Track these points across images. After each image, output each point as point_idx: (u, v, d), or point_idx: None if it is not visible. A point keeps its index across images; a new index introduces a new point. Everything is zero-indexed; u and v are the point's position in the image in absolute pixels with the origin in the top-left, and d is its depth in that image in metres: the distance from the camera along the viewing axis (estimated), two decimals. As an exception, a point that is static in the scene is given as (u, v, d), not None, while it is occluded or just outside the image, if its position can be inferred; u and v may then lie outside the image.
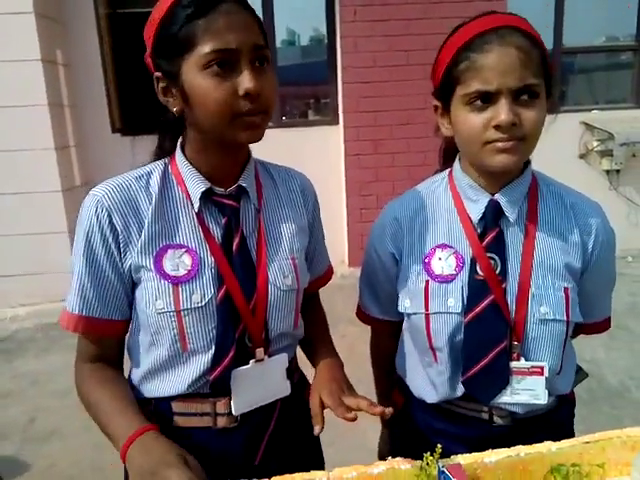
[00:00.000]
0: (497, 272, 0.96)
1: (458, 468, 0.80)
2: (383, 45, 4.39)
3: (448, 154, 1.10)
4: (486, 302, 0.95)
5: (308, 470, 0.87)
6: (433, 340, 0.99)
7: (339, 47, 4.51)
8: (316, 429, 0.89)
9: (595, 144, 4.69)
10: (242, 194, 0.95)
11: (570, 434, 1.10)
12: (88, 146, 4.59)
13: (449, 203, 1.02)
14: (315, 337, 1.11)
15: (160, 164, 0.95)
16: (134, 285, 0.91)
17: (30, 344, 3.69)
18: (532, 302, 0.95)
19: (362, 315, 1.19)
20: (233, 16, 0.81)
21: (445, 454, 0.85)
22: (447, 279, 0.98)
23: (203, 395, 0.94)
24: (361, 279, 1.17)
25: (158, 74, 0.87)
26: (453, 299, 0.97)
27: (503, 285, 0.96)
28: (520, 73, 0.86)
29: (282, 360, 0.99)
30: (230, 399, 0.93)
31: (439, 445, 0.84)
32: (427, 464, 0.84)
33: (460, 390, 1.00)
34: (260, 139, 0.88)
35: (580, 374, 1.13)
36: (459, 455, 0.88)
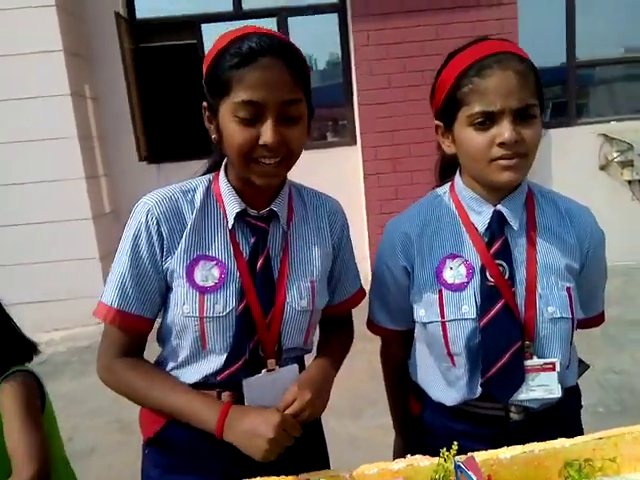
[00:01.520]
0: (506, 277, 1.02)
1: (472, 461, 0.84)
2: (397, 67, 4.50)
3: (445, 170, 1.18)
4: (498, 306, 1.01)
5: (314, 469, 0.93)
6: (451, 346, 1.04)
7: (354, 71, 4.63)
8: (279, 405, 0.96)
9: (615, 155, 4.68)
10: (273, 217, 1.03)
11: (578, 424, 1.16)
12: (116, 175, 4.78)
13: (454, 215, 1.09)
14: (322, 347, 1.14)
15: (205, 180, 1.05)
16: (167, 288, 1.01)
17: (65, 367, 3.82)
18: (540, 303, 1.02)
19: (373, 326, 1.23)
20: (267, 71, 0.89)
21: (464, 453, 0.90)
22: (460, 287, 1.04)
23: (212, 388, 1.02)
24: (371, 292, 1.22)
25: (205, 104, 0.98)
26: (467, 305, 1.03)
27: (512, 289, 1.02)
28: (520, 94, 0.94)
29: (293, 370, 1.04)
30: (235, 395, 1.00)
31: (455, 442, 0.89)
32: (444, 460, 0.89)
33: (479, 391, 1.05)
34: (277, 184, 1.00)
35: (582, 366, 1.18)
36: (475, 452, 0.92)
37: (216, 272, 0.98)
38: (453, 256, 1.06)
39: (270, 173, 0.94)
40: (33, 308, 4.03)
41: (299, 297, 1.03)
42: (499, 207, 1.04)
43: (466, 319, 1.02)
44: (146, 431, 1.09)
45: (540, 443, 0.94)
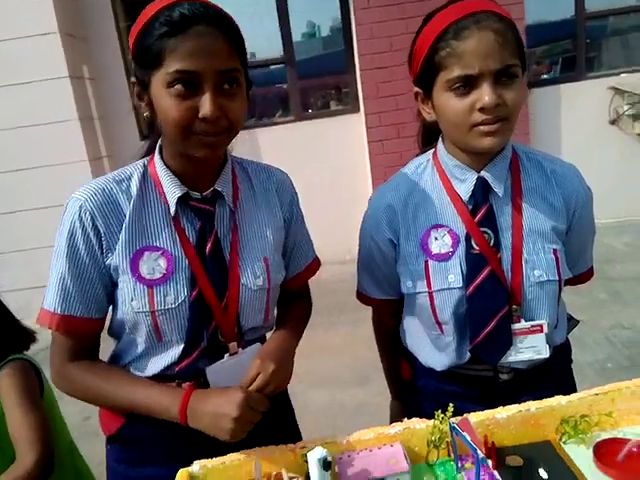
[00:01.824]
0: (491, 244, 1.02)
1: (467, 422, 0.84)
2: (399, 29, 4.38)
3: (427, 137, 1.16)
4: (484, 273, 1.01)
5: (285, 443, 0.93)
6: (439, 315, 1.05)
7: (355, 35, 4.53)
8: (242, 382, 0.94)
9: (626, 108, 4.54)
10: (218, 197, 0.99)
11: (569, 378, 1.17)
12: (119, 155, 4.77)
13: (437, 184, 1.07)
14: (281, 319, 1.12)
15: (140, 165, 0.99)
16: (113, 284, 0.96)
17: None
18: (526, 267, 1.01)
19: (362, 297, 1.23)
20: (202, 39, 0.83)
21: (457, 413, 0.90)
22: (445, 257, 1.03)
23: (171, 380, 0.99)
24: (359, 264, 1.21)
25: (133, 79, 0.93)
26: (453, 275, 1.02)
27: (498, 255, 1.02)
28: (499, 55, 0.90)
29: (256, 349, 1.02)
30: (198, 383, 0.98)
31: (451, 404, 0.90)
32: (440, 422, 0.90)
33: (467, 356, 1.06)
34: (219, 156, 0.96)
35: (572, 322, 1.19)
36: (471, 413, 0.92)
37: (163, 262, 0.94)
38: (438, 226, 1.05)
39: (211, 144, 0.89)
40: (28, 294, 4.10)
41: (254, 277, 1.00)
42: (482, 173, 1.02)
43: (453, 288, 1.02)
44: (106, 429, 1.07)
45: (536, 402, 0.94)
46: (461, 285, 1.02)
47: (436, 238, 1.04)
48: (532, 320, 1.02)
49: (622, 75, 4.73)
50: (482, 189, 1.02)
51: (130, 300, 0.93)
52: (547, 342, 1.02)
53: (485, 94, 0.90)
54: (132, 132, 4.71)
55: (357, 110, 4.73)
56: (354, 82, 4.74)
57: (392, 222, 1.08)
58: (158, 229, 0.95)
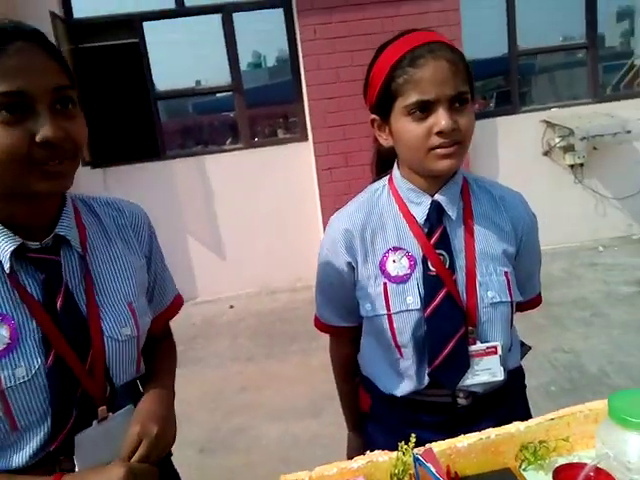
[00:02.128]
0: (447, 266, 1.04)
1: (430, 453, 0.84)
2: (345, 60, 4.50)
3: (382, 165, 1.19)
4: (441, 295, 1.03)
5: None
6: (398, 338, 1.05)
7: (302, 66, 4.61)
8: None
9: (557, 140, 4.84)
10: (62, 243, 0.86)
11: (524, 403, 1.20)
12: (60, 181, 4.58)
13: (393, 208, 1.09)
14: (151, 370, 1.01)
15: None
16: None
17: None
18: (480, 289, 1.04)
19: (320, 324, 1.23)
20: (25, 56, 0.73)
21: (418, 442, 0.89)
22: (403, 279, 1.05)
23: (45, 463, 0.84)
24: (317, 291, 1.21)
25: None
26: (411, 296, 1.04)
27: (453, 277, 1.04)
28: (453, 82, 0.95)
29: (129, 411, 0.90)
30: (71, 459, 0.84)
31: (413, 435, 0.89)
32: (403, 453, 0.88)
33: (426, 380, 1.07)
34: (68, 187, 0.80)
35: (524, 348, 1.22)
36: (433, 443, 0.92)
37: (4, 331, 0.78)
38: (395, 249, 1.07)
39: (58, 173, 0.76)
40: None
41: (119, 326, 0.88)
42: (436, 197, 1.05)
43: (411, 310, 1.03)
44: None
45: (495, 428, 0.94)
46: (419, 307, 1.03)
47: (394, 261, 1.06)
48: (487, 342, 1.04)
49: (553, 110, 5.05)
50: (436, 212, 1.05)
51: None
52: (501, 364, 1.05)
53: (442, 119, 0.94)
54: None
55: (305, 139, 4.78)
56: (302, 111, 4.81)
57: (350, 246, 1.09)
58: None
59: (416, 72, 0.95)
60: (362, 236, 1.08)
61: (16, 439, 0.81)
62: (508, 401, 1.10)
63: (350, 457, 1.32)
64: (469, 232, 1.06)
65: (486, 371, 1.04)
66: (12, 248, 0.80)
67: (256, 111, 5.24)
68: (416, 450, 0.87)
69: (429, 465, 0.82)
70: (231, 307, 4.60)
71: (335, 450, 2.45)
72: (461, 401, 1.08)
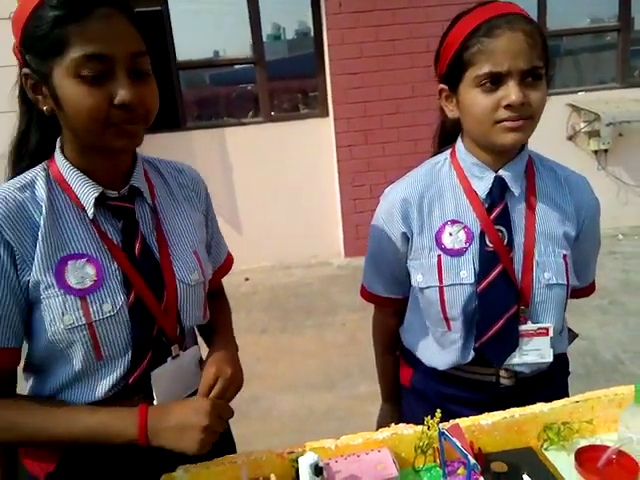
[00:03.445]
0: (505, 243, 1.04)
1: (457, 428, 0.86)
2: (369, 36, 4.42)
3: (445, 138, 1.18)
4: (496, 271, 1.03)
5: (221, 453, 0.92)
6: (447, 311, 1.06)
7: (326, 40, 4.54)
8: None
9: (582, 125, 4.74)
10: (135, 195, 0.93)
11: (565, 390, 1.19)
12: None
13: (454, 181, 1.09)
14: (215, 323, 1.08)
15: (40, 170, 0.89)
16: (31, 304, 0.85)
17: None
18: (537, 269, 1.04)
19: (366, 294, 1.25)
20: (109, 21, 0.78)
21: (453, 417, 0.91)
22: (458, 252, 1.06)
23: (121, 397, 0.91)
24: (366, 260, 1.23)
25: (27, 71, 0.83)
26: (465, 271, 1.04)
27: (510, 255, 1.04)
28: (528, 56, 0.93)
29: (195, 352, 0.99)
30: (145, 397, 0.91)
31: (439, 410, 0.91)
32: (428, 428, 0.90)
33: (471, 355, 1.07)
34: (138, 146, 0.88)
35: (571, 335, 1.22)
36: (458, 419, 0.93)
37: (90, 270, 0.86)
38: (453, 222, 1.07)
39: (131, 132, 0.83)
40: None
41: (189, 271, 0.95)
42: (501, 172, 1.05)
43: (464, 284, 1.04)
44: (40, 469, 0.93)
45: (520, 408, 0.96)
46: (472, 281, 1.04)
47: (450, 233, 1.06)
48: (538, 322, 1.04)
49: (579, 93, 4.94)
50: (499, 188, 1.04)
51: (61, 316, 0.83)
52: (551, 347, 1.05)
53: (512, 92, 0.94)
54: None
55: (326, 114, 4.73)
56: (323, 86, 4.75)
57: (407, 216, 1.10)
58: (77, 236, 0.87)
59: (491, 42, 0.94)
60: (419, 206, 1.09)
61: (99, 367, 0.88)
62: (550, 386, 1.09)
63: (381, 427, 1.38)
64: (531, 210, 1.06)
65: (535, 352, 1.04)
66: (95, 195, 0.87)
67: (276, 84, 5.18)
68: (442, 425, 0.89)
69: (455, 440, 0.84)
70: (246, 280, 4.64)
71: (349, 423, 2.52)
72: (504, 381, 1.08)
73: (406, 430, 0.93)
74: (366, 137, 4.56)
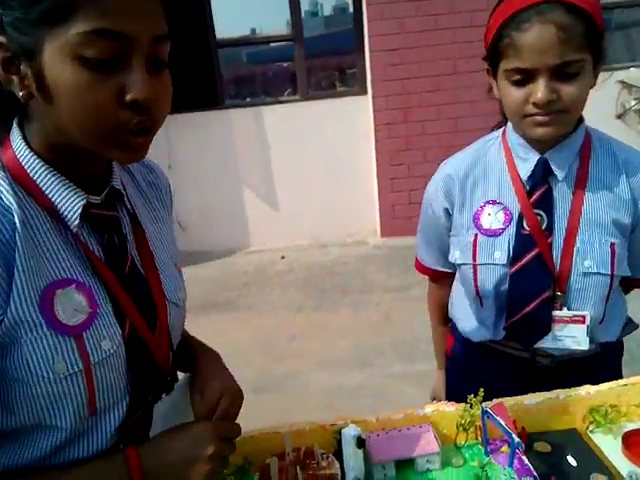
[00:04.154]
0: (543, 227, 1.02)
1: (501, 407, 0.85)
2: (410, 10, 4.31)
3: None
4: (531, 255, 1.02)
5: None
6: (479, 289, 1.07)
7: (365, 15, 4.45)
8: None
9: (633, 103, 4.54)
10: (114, 200, 0.73)
11: (614, 376, 1.15)
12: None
13: (501, 161, 1.08)
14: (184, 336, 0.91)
15: None
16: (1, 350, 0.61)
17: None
18: (576, 256, 1.01)
19: (420, 266, 1.29)
20: None
21: (490, 389, 0.91)
22: (495, 233, 1.05)
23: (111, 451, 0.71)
24: (418, 233, 1.26)
25: (1, 39, 0.59)
26: (500, 251, 1.04)
27: (549, 240, 1.02)
28: (559, 50, 0.88)
29: (186, 381, 0.83)
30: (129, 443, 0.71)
31: (482, 389, 0.90)
32: (470, 406, 0.90)
33: (502, 334, 1.08)
34: (143, 159, 0.68)
35: (630, 325, 1.17)
36: (501, 398, 0.93)
37: (82, 298, 0.65)
38: (494, 202, 1.07)
39: (139, 145, 0.64)
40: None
41: (175, 290, 0.80)
42: (547, 155, 1.02)
43: (497, 264, 1.04)
44: None
45: (565, 390, 0.95)
46: (505, 262, 1.03)
47: (489, 214, 1.06)
48: (575, 310, 1.02)
49: (631, 69, 4.71)
50: (542, 170, 1.02)
51: (50, 363, 0.61)
52: (588, 335, 1.02)
53: (538, 90, 0.91)
54: None
55: (364, 92, 4.67)
56: (362, 63, 4.68)
57: (449, 192, 1.11)
58: (59, 255, 0.66)
59: (519, 37, 0.90)
60: (463, 184, 1.09)
61: (89, 425, 0.68)
62: (597, 373, 1.05)
63: (435, 394, 1.40)
64: (578, 195, 1.02)
65: (570, 338, 1.02)
66: (82, 203, 0.67)
67: (314, 62, 5.14)
68: (485, 404, 0.89)
69: (499, 418, 0.83)
70: (282, 258, 4.69)
71: (382, 402, 2.54)
72: (540, 359, 1.08)
73: (448, 407, 0.93)
74: (405, 115, 4.49)
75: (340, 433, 0.86)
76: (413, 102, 4.44)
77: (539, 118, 0.93)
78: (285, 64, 5.39)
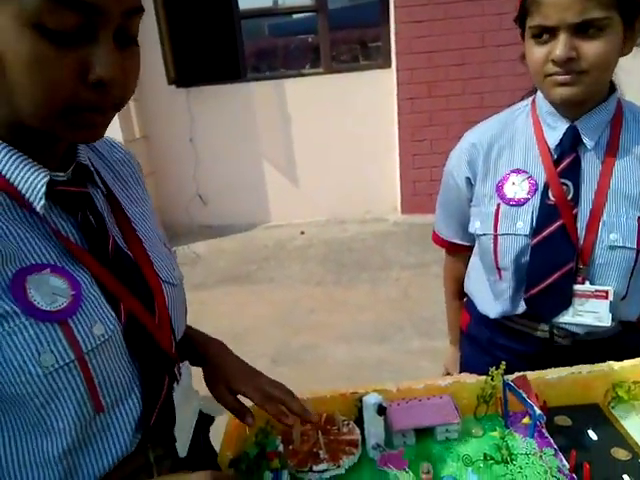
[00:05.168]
0: (569, 198, 0.99)
1: (523, 380, 0.85)
2: (438, -19, 4.20)
3: None
4: (555, 226, 0.99)
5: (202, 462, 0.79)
6: (500, 260, 1.05)
7: (391, -15, 4.35)
8: (249, 421, 0.80)
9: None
10: (83, 177, 0.66)
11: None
12: (146, 99, 4.71)
13: (529, 129, 1.05)
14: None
15: None
16: None
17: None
18: (602, 229, 0.98)
19: (437, 239, 1.27)
20: None
21: (507, 369, 0.91)
22: (518, 202, 1.03)
23: (131, 456, 0.65)
24: (437, 204, 1.24)
25: None
26: (522, 222, 1.02)
27: (574, 211, 0.99)
28: (580, 7, 0.85)
29: (189, 368, 0.78)
30: (153, 442, 0.68)
31: (503, 362, 0.90)
32: (492, 378, 0.90)
33: (521, 307, 1.06)
34: (100, 138, 0.60)
35: None
36: (523, 372, 0.93)
37: (60, 282, 0.58)
38: (518, 171, 1.04)
39: (96, 123, 0.57)
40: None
41: (169, 269, 0.74)
42: (576, 123, 0.99)
43: (518, 235, 1.02)
44: None
45: (587, 365, 0.94)
46: (527, 233, 1.01)
47: (514, 183, 1.04)
48: (598, 284, 1.00)
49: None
50: (571, 139, 0.99)
51: (35, 356, 0.54)
52: (610, 311, 1.00)
53: (557, 47, 0.88)
54: (160, 76, 4.63)
55: (388, 65, 4.59)
56: (387, 35, 4.59)
57: (472, 161, 1.09)
58: (25, 240, 0.58)
59: None
60: (487, 153, 1.07)
61: (102, 427, 0.62)
62: (614, 353, 1.02)
63: (446, 369, 1.40)
64: (607, 166, 0.99)
65: (591, 314, 1.00)
66: (45, 180, 0.59)
67: (337, 34, 5.05)
68: (507, 376, 0.89)
69: (521, 391, 0.83)
70: (302, 233, 4.70)
71: (400, 376, 2.56)
72: (559, 339, 1.06)
73: (469, 379, 0.94)
74: (429, 89, 4.41)
75: (361, 401, 0.87)
76: (438, 76, 4.36)
77: (559, 77, 0.91)
78: (307, 36, 5.30)
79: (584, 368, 0.94)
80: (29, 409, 0.56)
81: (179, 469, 0.72)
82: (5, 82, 0.52)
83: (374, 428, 0.85)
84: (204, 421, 0.81)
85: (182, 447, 0.71)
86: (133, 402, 0.64)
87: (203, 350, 0.84)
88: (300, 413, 0.79)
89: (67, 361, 0.56)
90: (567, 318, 1.02)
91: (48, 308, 0.56)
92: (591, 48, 0.88)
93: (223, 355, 0.84)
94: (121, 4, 0.53)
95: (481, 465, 0.81)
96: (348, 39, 5.36)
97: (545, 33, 0.90)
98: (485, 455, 0.81)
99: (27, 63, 0.50)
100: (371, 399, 0.85)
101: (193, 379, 0.78)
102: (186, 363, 0.77)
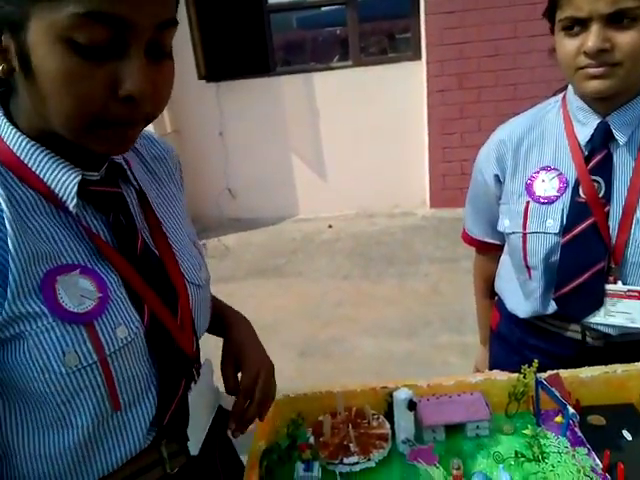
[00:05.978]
0: (600, 195, 0.97)
1: (556, 378, 0.85)
2: (469, -30, 4.13)
3: None
4: (585, 224, 0.97)
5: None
6: (529, 259, 1.04)
7: (422, -24, 4.29)
8: (232, 426, 0.78)
9: None
10: (117, 176, 0.67)
11: None
12: (176, 94, 4.73)
13: (559, 125, 1.03)
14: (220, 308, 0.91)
15: None
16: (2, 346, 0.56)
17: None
18: (636, 227, 0.96)
19: (466, 236, 1.27)
20: None
21: (538, 370, 0.90)
22: (548, 200, 1.01)
23: (146, 450, 0.67)
24: (467, 202, 1.23)
25: None
26: (552, 220, 1.00)
27: (606, 208, 0.97)
28: None
29: (210, 367, 0.78)
30: (167, 438, 0.70)
31: (536, 360, 0.90)
32: (524, 376, 0.90)
33: (552, 307, 1.04)
34: (127, 150, 0.62)
35: None
36: (556, 370, 0.92)
37: (89, 284, 0.60)
38: (549, 168, 1.02)
39: (124, 138, 0.58)
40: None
41: (195, 269, 0.74)
42: (607, 119, 0.97)
43: (548, 233, 1.00)
44: None
45: (622, 365, 0.93)
46: (557, 231, 1.00)
47: (543, 180, 1.02)
48: (631, 284, 0.98)
49: None
50: (602, 135, 0.97)
51: (60, 356, 0.56)
52: None
53: (589, 39, 0.86)
54: (190, 71, 4.69)
55: (418, 57, 4.54)
56: (417, 27, 4.54)
57: (501, 158, 1.08)
58: (59, 240, 0.60)
59: None
60: (516, 149, 1.06)
61: (117, 423, 0.63)
62: None
63: (476, 368, 1.40)
64: None
65: (623, 314, 0.98)
66: (77, 180, 0.60)
67: (366, 26, 5.01)
68: (540, 374, 0.88)
69: (553, 389, 0.83)
70: (330, 227, 4.71)
71: (428, 371, 2.56)
72: (590, 340, 1.03)
73: (499, 376, 0.93)
74: (460, 81, 4.34)
75: (391, 396, 0.88)
76: (470, 68, 4.29)
77: (591, 70, 0.88)
78: (336, 29, 5.27)
79: (618, 367, 0.92)
80: (50, 405, 0.58)
81: (193, 465, 0.73)
82: (37, 94, 0.54)
83: (404, 423, 0.86)
84: (223, 417, 0.82)
85: (194, 446, 0.72)
86: (149, 401, 0.66)
87: (228, 326, 0.85)
88: (240, 423, 0.77)
89: (90, 362, 0.58)
90: (599, 319, 1.00)
91: (75, 310, 0.58)
92: (625, 38, 0.86)
93: (243, 334, 0.85)
94: (153, 17, 0.52)
95: (512, 462, 0.81)
96: (377, 31, 5.31)
97: (576, 25, 0.88)
98: (516, 452, 0.81)
99: (58, 78, 0.51)
100: (402, 394, 0.85)
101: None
102: (207, 362, 0.77)
